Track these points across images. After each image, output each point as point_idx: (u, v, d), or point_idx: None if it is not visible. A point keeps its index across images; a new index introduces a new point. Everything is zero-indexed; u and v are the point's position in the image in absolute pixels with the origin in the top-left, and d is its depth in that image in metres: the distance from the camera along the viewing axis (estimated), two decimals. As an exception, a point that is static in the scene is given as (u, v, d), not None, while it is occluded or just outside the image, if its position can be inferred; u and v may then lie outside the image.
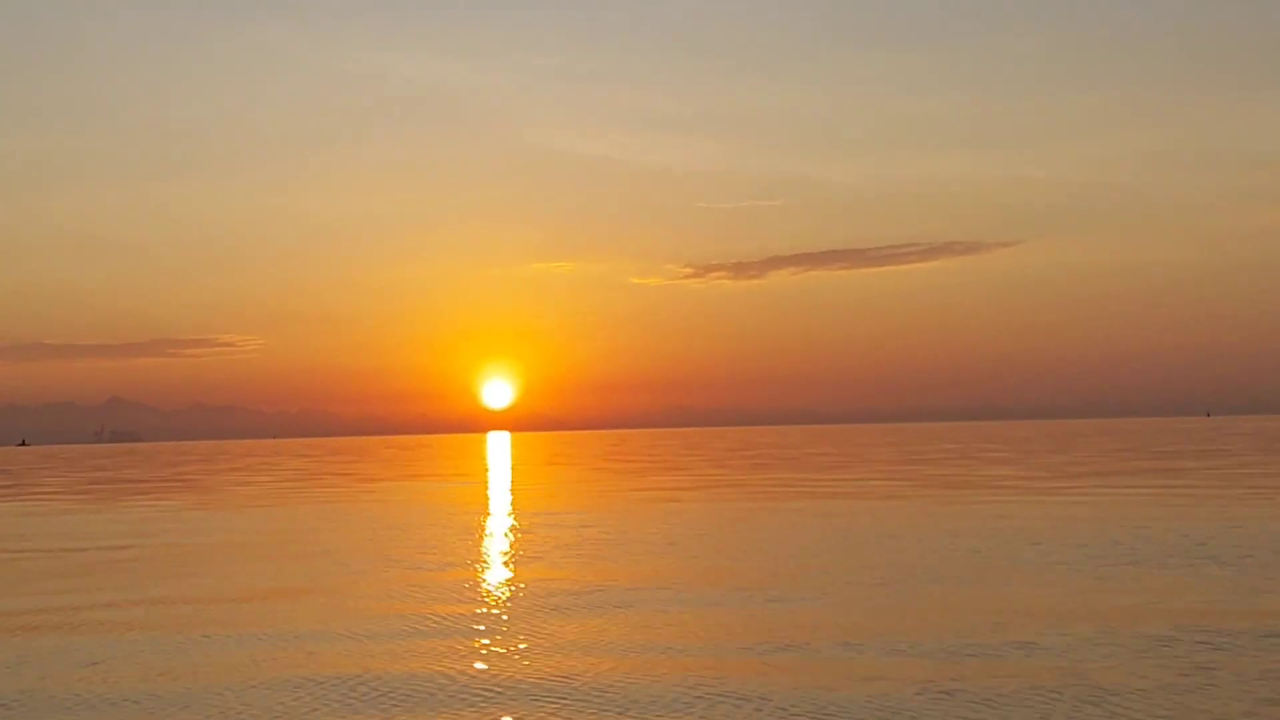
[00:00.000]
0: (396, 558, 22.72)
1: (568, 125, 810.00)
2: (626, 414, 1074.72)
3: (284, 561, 22.68)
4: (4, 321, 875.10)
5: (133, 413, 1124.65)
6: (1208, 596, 15.90)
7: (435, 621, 14.99)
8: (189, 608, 16.73)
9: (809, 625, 14.16)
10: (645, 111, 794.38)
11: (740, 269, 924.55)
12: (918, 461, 69.19)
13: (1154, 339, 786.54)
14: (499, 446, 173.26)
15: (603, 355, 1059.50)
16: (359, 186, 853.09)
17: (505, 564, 21.47)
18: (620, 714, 10.21)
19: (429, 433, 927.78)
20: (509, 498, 42.40)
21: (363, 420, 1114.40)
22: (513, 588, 18.15)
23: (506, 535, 27.35)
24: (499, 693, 11.19)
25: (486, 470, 72.00)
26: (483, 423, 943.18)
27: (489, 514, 34.39)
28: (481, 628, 14.38)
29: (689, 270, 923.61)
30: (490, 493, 46.82)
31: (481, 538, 26.55)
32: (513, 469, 74.23)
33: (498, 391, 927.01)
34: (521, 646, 13.25)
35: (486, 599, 16.86)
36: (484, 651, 12.93)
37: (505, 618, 15.12)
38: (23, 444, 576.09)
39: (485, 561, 21.81)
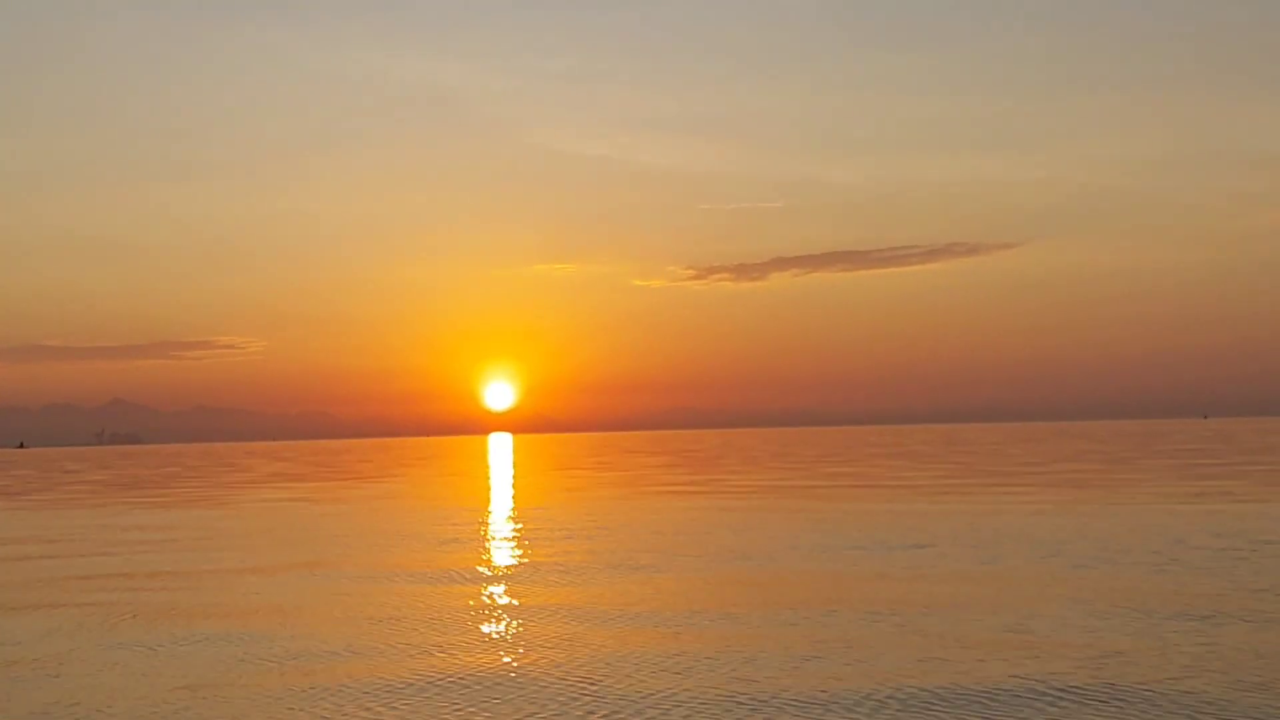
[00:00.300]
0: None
1: (570, 127, 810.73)
2: (628, 415, 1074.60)
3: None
4: (4, 323, 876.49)
5: (134, 415, 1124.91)
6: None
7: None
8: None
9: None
10: (648, 114, 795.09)
11: (742, 270, 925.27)
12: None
13: (1155, 340, 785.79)
14: (499, 450, 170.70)
15: (605, 356, 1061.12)
16: (360, 188, 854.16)
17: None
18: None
19: (431, 435, 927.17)
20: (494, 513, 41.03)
21: (365, 422, 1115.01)
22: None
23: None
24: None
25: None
26: (485, 424, 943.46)
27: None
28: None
29: (691, 272, 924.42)
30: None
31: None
32: (514, 474, 72.45)
33: (499, 393, 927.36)
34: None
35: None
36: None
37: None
38: (20, 446, 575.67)
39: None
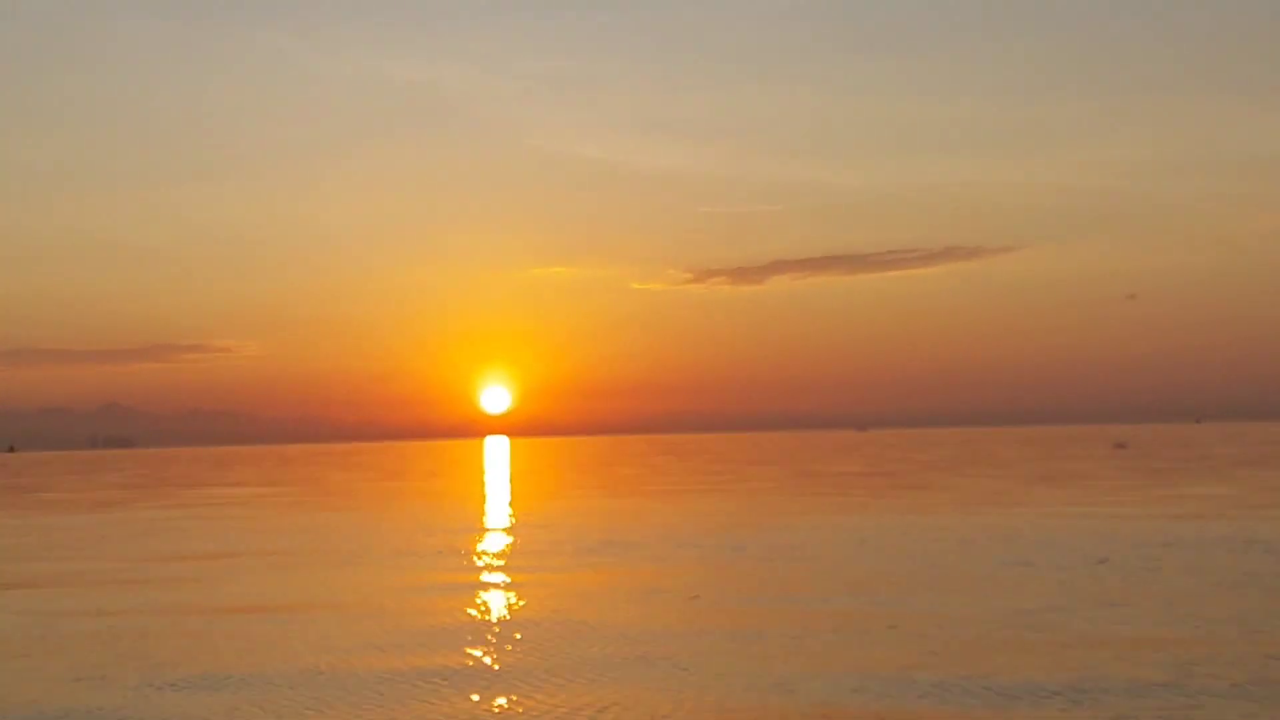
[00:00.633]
0: None
1: (568, 129, 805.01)
2: (626, 419, 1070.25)
3: None
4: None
5: (128, 419, 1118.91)
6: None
7: None
8: None
9: None
10: (646, 116, 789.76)
11: (741, 274, 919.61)
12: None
13: (1155, 344, 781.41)
14: (496, 453, 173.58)
15: (602, 360, 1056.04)
16: (357, 192, 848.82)
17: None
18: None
19: (428, 438, 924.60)
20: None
21: (362, 425, 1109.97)
22: None
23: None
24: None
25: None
26: (482, 427, 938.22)
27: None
28: None
29: (689, 275, 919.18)
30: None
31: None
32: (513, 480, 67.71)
33: (496, 396, 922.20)
34: None
35: None
36: None
37: None
38: (11, 450, 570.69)
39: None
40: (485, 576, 22.53)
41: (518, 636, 16.09)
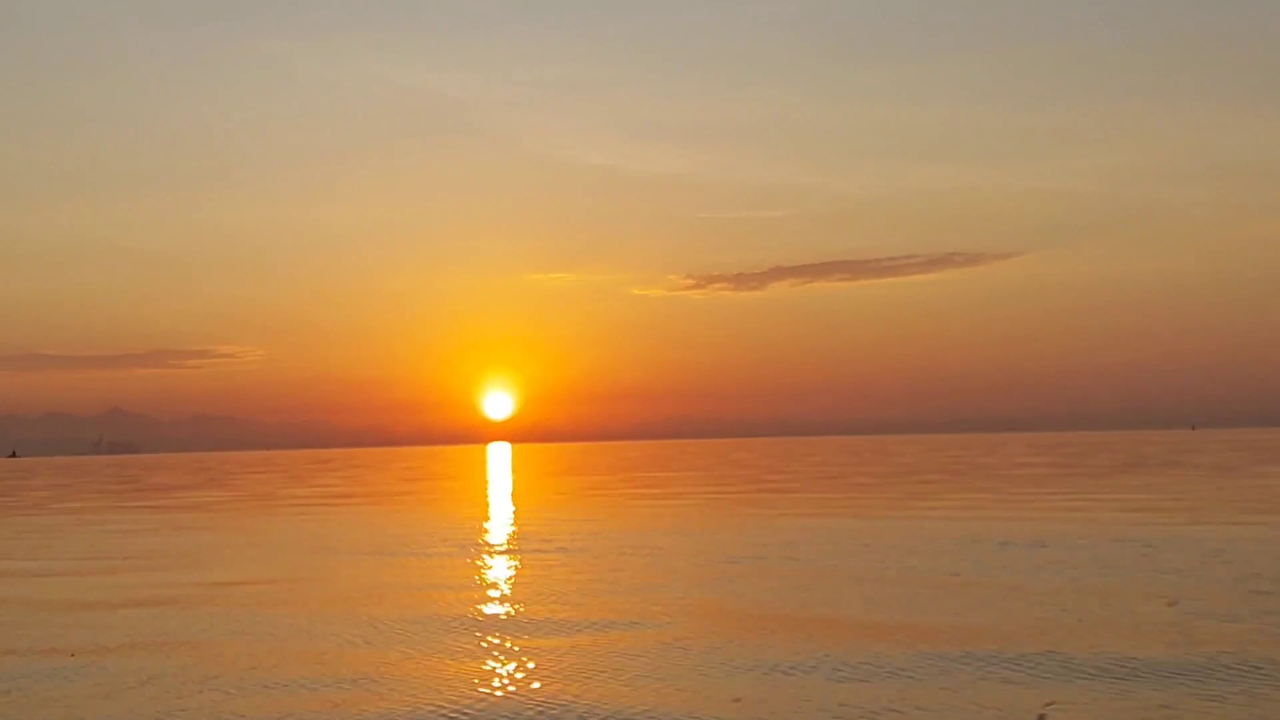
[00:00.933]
0: None
1: (569, 135, 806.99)
2: (627, 425, 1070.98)
3: None
4: (1, 331, 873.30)
5: (133, 424, 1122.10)
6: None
7: None
8: None
9: None
10: (647, 121, 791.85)
11: (742, 279, 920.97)
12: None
13: (1155, 350, 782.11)
14: (499, 458, 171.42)
15: (603, 366, 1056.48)
16: (360, 197, 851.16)
17: None
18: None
19: (430, 444, 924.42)
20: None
21: (364, 431, 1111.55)
22: None
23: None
24: None
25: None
26: (484, 433, 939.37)
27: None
28: None
29: (691, 281, 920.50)
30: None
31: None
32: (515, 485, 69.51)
33: (499, 402, 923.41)
34: None
35: None
36: None
37: None
38: (13, 455, 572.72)
39: None
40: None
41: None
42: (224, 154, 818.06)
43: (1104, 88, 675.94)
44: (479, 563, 26.06)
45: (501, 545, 30.41)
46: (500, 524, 38.55)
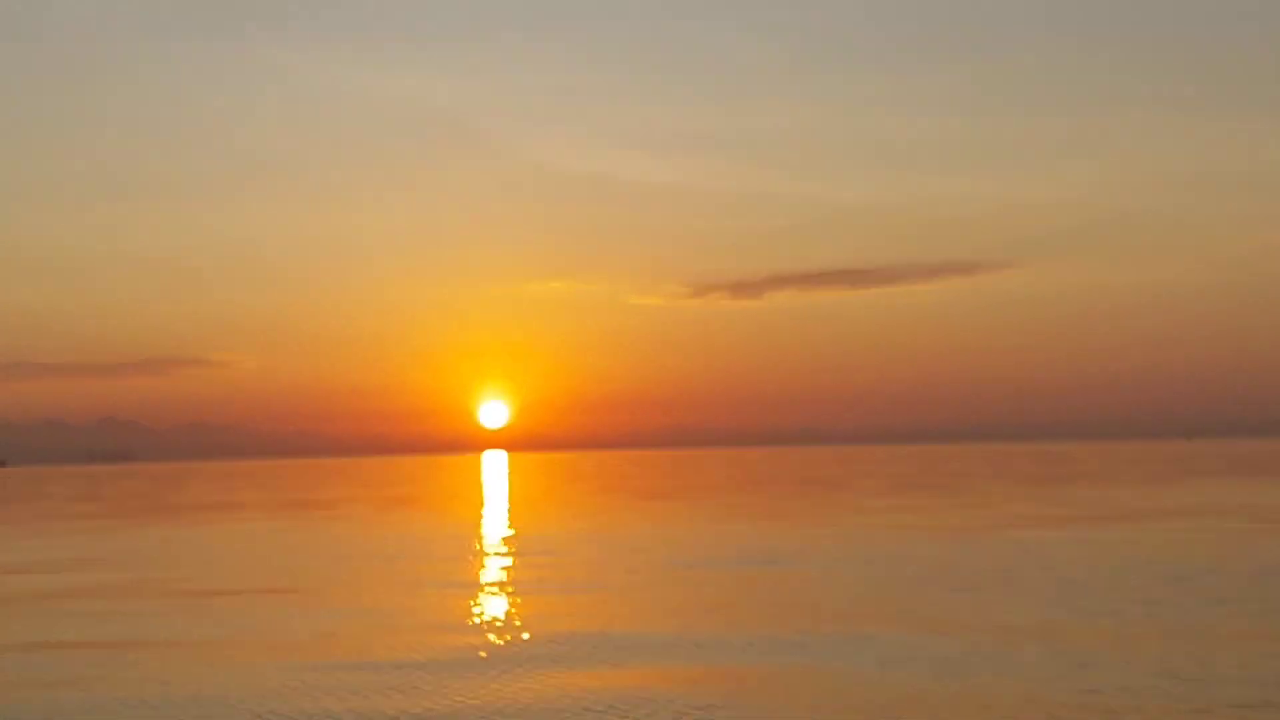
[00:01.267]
0: None
1: (566, 144, 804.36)
2: (623, 434, 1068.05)
3: None
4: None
5: (126, 432, 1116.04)
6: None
7: None
8: None
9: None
10: (644, 130, 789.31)
11: (739, 288, 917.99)
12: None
13: (1153, 360, 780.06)
14: (494, 469, 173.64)
15: (600, 375, 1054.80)
16: (355, 205, 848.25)
17: None
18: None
19: (426, 453, 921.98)
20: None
21: (359, 440, 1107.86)
22: None
23: None
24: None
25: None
26: (479, 442, 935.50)
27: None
28: None
29: (688, 290, 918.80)
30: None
31: None
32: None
33: (494, 411, 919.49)
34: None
35: None
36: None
37: None
38: (1, 464, 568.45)
39: None
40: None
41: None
42: (220, 163, 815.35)
43: (1102, 98, 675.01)
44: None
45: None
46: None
